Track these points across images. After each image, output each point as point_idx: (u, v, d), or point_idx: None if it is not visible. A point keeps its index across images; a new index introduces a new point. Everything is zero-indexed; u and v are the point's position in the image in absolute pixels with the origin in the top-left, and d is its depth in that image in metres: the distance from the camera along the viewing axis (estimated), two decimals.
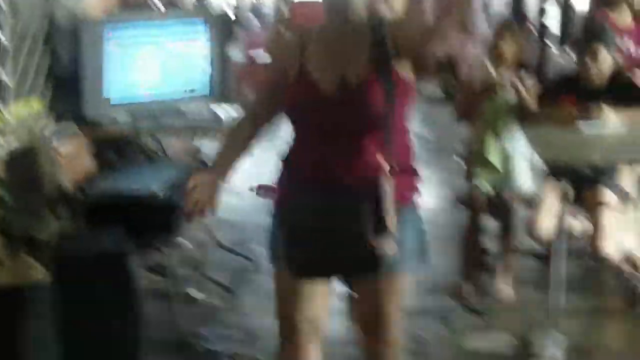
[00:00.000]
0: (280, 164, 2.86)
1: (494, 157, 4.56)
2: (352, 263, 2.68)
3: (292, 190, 2.79)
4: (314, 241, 2.66)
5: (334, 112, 2.67)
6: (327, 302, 2.93)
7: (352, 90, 2.66)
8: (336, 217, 2.63)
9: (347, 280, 2.91)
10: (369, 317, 2.91)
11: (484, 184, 4.62)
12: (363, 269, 2.69)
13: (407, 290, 2.89)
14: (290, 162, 2.84)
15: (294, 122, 2.79)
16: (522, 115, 4.42)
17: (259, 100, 2.92)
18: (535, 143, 4.15)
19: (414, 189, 2.85)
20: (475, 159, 4.67)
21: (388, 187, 2.61)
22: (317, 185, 2.70)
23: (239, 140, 2.91)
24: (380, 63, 2.66)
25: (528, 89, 4.45)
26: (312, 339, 2.91)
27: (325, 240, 2.65)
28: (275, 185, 2.89)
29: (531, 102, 4.44)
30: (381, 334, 2.89)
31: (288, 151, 2.84)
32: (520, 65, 4.59)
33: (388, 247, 2.62)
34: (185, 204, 2.78)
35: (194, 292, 4.56)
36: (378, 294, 2.84)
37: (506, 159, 4.58)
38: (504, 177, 4.60)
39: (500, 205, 4.69)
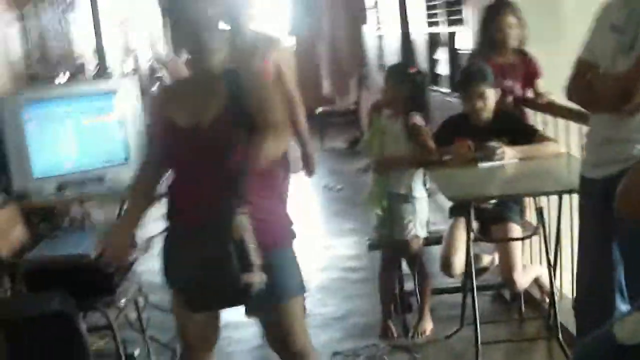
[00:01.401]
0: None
1: (380, 204, 4.80)
2: (227, 297, 3.01)
3: (171, 225, 3.19)
4: (194, 279, 2.99)
5: (192, 148, 3.02)
6: (217, 323, 3.36)
7: (205, 129, 3.00)
8: (208, 256, 2.91)
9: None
10: (271, 340, 3.34)
11: (383, 229, 4.86)
12: (238, 301, 3.05)
13: (296, 314, 3.25)
14: (169, 194, 3.23)
15: (167, 159, 3.19)
16: (421, 158, 4.64)
17: (151, 150, 3.35)
18: (438, 182, 4.38)
19: (284, 232, 3.22)
20: (372, 202, 4.91)
21: (247, 223, 2.87)
22: (189, 221, 3.02)
23: (143, 190, 3.32)
24: (233, 109, 3.01)
25: (426, 133, 4.69)
26: (205, 351, 3.36)
27: (201, 277, 2.95)
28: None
29: (430, 145, 4.66)
30: (286, 351, 3.30)
31: (169, 184, 3.25)
32: (415, 109, 4.74)
33: (255, 279, 2.88)
34: (103, 255, 3.15)
35: (135, 351, 4.74)
36: (269, 324, 3.27)
37: (395, 207, 4.77)
38: (399, 224, 4.78)
39: (403, 250, 4.88)
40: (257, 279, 2.88)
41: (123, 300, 4.38)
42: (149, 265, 6.53)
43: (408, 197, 4.76)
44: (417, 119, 4.73)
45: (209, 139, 3.00)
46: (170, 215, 3.19)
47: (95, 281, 4.21)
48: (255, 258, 2.87)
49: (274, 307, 3.14)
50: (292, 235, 3.25)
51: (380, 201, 4.81)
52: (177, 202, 3.16)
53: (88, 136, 5.11)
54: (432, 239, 4.95)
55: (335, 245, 7.09)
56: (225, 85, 3.05)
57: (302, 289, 3.27)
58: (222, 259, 2.85)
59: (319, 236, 7.41)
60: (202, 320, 3.27)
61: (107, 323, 4.20)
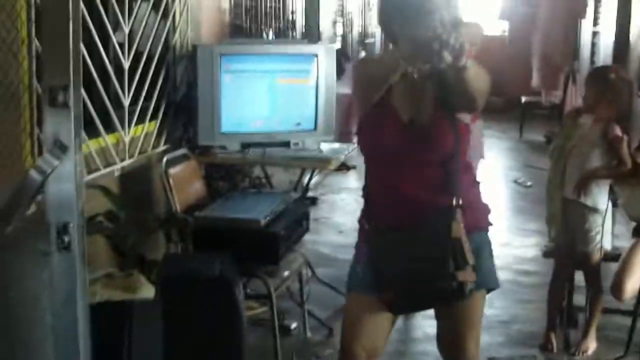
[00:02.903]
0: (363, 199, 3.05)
1: (560, 217, 4.48)
2: (438, 297, 2.88)
3: (372, 227, 2.97)
4: (402, 281, 2.86)
5: (409, 141, 2.84)
6: (388, 333, 3.07)
7: (425, 125, 2.83)
8: (419, 256, 2.82)
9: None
10: (450, 340, 3.06)
11: (563, 239, 4.54)
12: (448, 300, 2.89)
13: (483, 306, 3.07)
14: (367, 195, 3.02)
15: (370, 151, 2.96)
16: (616, 172, 4.35)
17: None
18: (625, 199, 4.11)
19: (484, 215, 3.05)
20: (550, 217, 4.60)
21: (460, 221, 2.80)
22: (396, 220, 2.88)
23: None
24: (445, 102, 2.82)
25: (624, 146, 4.35)
26: None
27: (412, 279, 2.85)
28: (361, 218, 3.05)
29: (626, 160, 4.33)
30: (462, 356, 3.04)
31: (365, 185, 3.03)
32: (617, 118, 4.39)
33: (469, 277, 2.80)
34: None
35: (292, 324, 4.66)
36: (458, 317, 3.00)
37: (579, 218, 4.45)
38: (582, 236, 4.47)
39: (583, 262, 4.58)
40: (471, 277, 2.81)
41: (287, 272, 4.28)
42: (322, 237, 6.62)
43: (595, 209, 4.42)
44: (617, 130, 4.35)
45: (426, 133, 2.85)
46: (371, 217, 2.99)
47: (262, 248, 4.08)
48: (470, 256, 2.81)
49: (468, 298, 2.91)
50: (490, 222, 3.10)
51: (562, 218, 4.49)
52: (379, 202, 2.97)
53: (281, 97, 5.01)
54: (611, 255, 4.61)
55: (514, 244, 6.74)
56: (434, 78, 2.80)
57: (497, 281, 3.10)
58: (440, 259, 2.79)
59: (498, 231, 7.04)
60: (379, 326, 3.00)
61: (267, 292, 4.09)
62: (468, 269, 2.80)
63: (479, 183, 3.06)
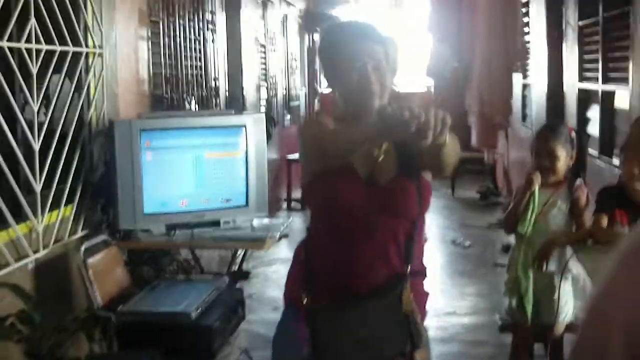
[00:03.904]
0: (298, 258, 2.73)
1: (529, 289, 4.20)
2: None
3: (312, 306, 2.61)
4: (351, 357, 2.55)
5: (369, 203, 2.56)
6: None
7: (387, 187, 2.58)
8: (371, 338, 2.54)
9: None
10: None
11: (525, 313, 4.23)
12: None
13: None
14: (308, 260, 2.69)
15: (323, 212, 2.65)
16: (577, 237, 4.04)
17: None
18: (590, 271, 3.79)
19: (427, 296, 2.79)
20: (510, 289, 4.31)
21: (412, 293, 2.56)
22: (343, 297, 2.56)
23: None
24: (405, 159, 2.59)
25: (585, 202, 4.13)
26: None
27: (364, 355, 2.54)
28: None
29: (584, 222, 4.10)
30: None
31: (307, 247, 2.70)
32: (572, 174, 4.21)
33: (425, 356, 2.58)
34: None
35: None
36: None
37: (546, 287, 4.20)
38: (548, 307, 4.20)
39: (545, 335, 4.32)
40: (426, 355, 2.60)
41: None
42: (257, 315, 6.25)
43: (564, 275, 4.12)
44: (584, 189, 4.16)
45: (383, 195, 2.57)
46: (310, 286, 2.64)
47: (194, 344, 3.72)
48: (424, 333, 2.61)
49: None
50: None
51: (525, 287, 4.19)
52: (323, 267, 2.64)
53: (208, 173, 4.68)
54: (574, 327, 4.30)
55: (459, 312, 6.45)
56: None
57: None
58: (394, 340, 2.55)
59: (441, 299, 6.78)
60: None
61: None
62: (423, 347, 2.58)
63: (423, 252, 2.75)
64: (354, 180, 2.56)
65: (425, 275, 2.77)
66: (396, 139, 2.40)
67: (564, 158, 4.14)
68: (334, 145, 2.52)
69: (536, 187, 4.17)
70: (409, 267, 2.58)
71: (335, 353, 2.56)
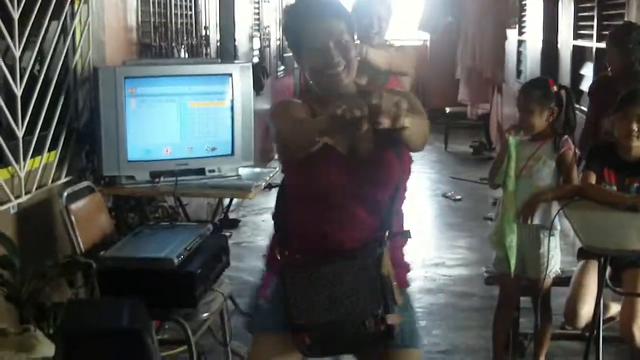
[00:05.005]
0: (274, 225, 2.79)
1: (513, 242, 4.21)
2: (362, 342, 2.61)
3: (287, 258, 2.67)
4: (321, 323, 2.58)
5: (352, 178, 2.59)
6: None
7: (369, 159, 2.59)
8: (344, 296, 2.55)
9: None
10: None
11: (509, 266, 4.24)
12: (374, 345, 2.63)
13: None
14: (283, 222, 2.74)
15: (304, 189, 2.67)
16: (564, 193, 4.09)
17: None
18: (577, 224, 3.78)
19: (408, 267, 2.82)
20: (495, 241, 4.33)
21: (389, 258, 2.58)
22: (320, 255, 2.61)
23: None
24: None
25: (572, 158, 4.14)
26: None
27: (333, 321, 2.56)
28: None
29: (575, 176, 4.14)
30: None
31: (281, 211, 2.75)
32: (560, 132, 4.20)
33: (397, 320, 2.56)
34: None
35: None
36: None
37: (532, 242, 4.23)
38: (534, 261, 4.24)
39: (532, 288, 4.33)
40: (399, 320, 2.57)
41: (206, 314, 3.93)
42: (245, 263, 6.25)
43: (549, 230, 4.17)
44: (570, 144, 4.16)
45: (371, 168, 2.60)
46: (286, 245, 2.69)
47: (176, 290, 3.71)
48: (398, 297, 2.58)
49: (404, 352, 2.69)
50: (409, 282, 2.85)
51: (510, 239, 4.19)
52: (300, 232, 2.68)
53: (193, 121, 4.64)
54: (560, 280, 4.34)
55: (447, 264, 6.48)
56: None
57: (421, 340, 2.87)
58: (368, 300, 2.54)
59: (430, 250, 6.80)
60: None
61: (185, 337, 3.74)
62: (396, 311, 2.56)
63: (403, 218, 2.77)
64: (335, 158, 2.57)
65: (408, 238, 2.77)
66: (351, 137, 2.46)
67: (538, 113, 4.13)
68: (308, 131, 2.47)
69: (511, 139, 4.18)
70: (388, 232, 2.61)
71: (307, 306, 2.57)
